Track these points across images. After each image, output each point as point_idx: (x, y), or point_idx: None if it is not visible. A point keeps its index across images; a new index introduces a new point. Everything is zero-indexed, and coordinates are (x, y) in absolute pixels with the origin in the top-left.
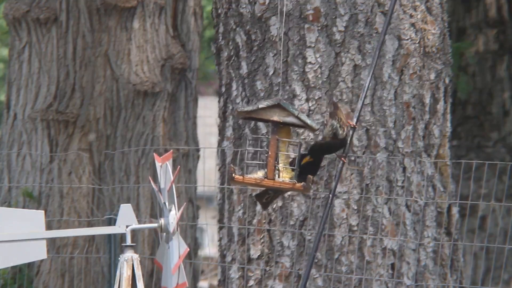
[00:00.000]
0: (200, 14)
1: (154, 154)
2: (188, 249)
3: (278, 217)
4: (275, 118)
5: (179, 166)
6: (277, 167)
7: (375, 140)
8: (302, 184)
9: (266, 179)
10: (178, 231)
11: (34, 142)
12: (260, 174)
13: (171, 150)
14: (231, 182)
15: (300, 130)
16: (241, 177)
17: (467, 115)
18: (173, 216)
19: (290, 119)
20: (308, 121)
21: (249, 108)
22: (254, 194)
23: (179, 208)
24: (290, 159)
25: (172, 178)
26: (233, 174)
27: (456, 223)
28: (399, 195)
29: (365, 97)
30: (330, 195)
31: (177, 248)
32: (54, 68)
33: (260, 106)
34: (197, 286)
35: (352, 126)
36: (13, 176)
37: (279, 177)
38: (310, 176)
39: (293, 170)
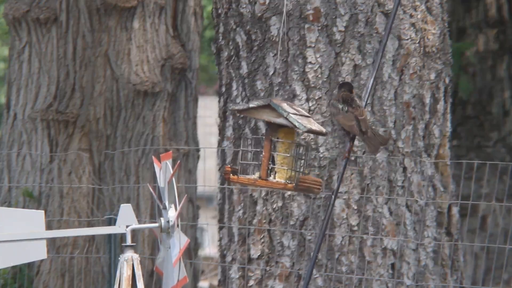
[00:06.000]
0: (200, 14)
1: (153, 157)
2: (189, 240)
3: (278, 217)
4: (265, 118)
5: (179, 161)
6: (270, 167)
7: None
8: (293, 184)
9: (259, 180)
10: (179, 226)
11: (34, 142)
12: (257, 174)
13: (171, 151)
14: (228, 182)
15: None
16: (236, 177)
17: (467, 115)
18: (173, 213)
19: (280, 120)
20: (296, 123)
21: (240, 107)
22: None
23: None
24: (286, 158)
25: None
26: (229, 175)
27: (456, 223)
28: (399, 195)
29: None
30: (332, 196)
31: (178, 242)
32: (54, 68)
33: (251, 105)
34: (197, 286)
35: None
36: (13, 176)
37: (275, 177)
38: (301, 176)
39: (291, 170)
